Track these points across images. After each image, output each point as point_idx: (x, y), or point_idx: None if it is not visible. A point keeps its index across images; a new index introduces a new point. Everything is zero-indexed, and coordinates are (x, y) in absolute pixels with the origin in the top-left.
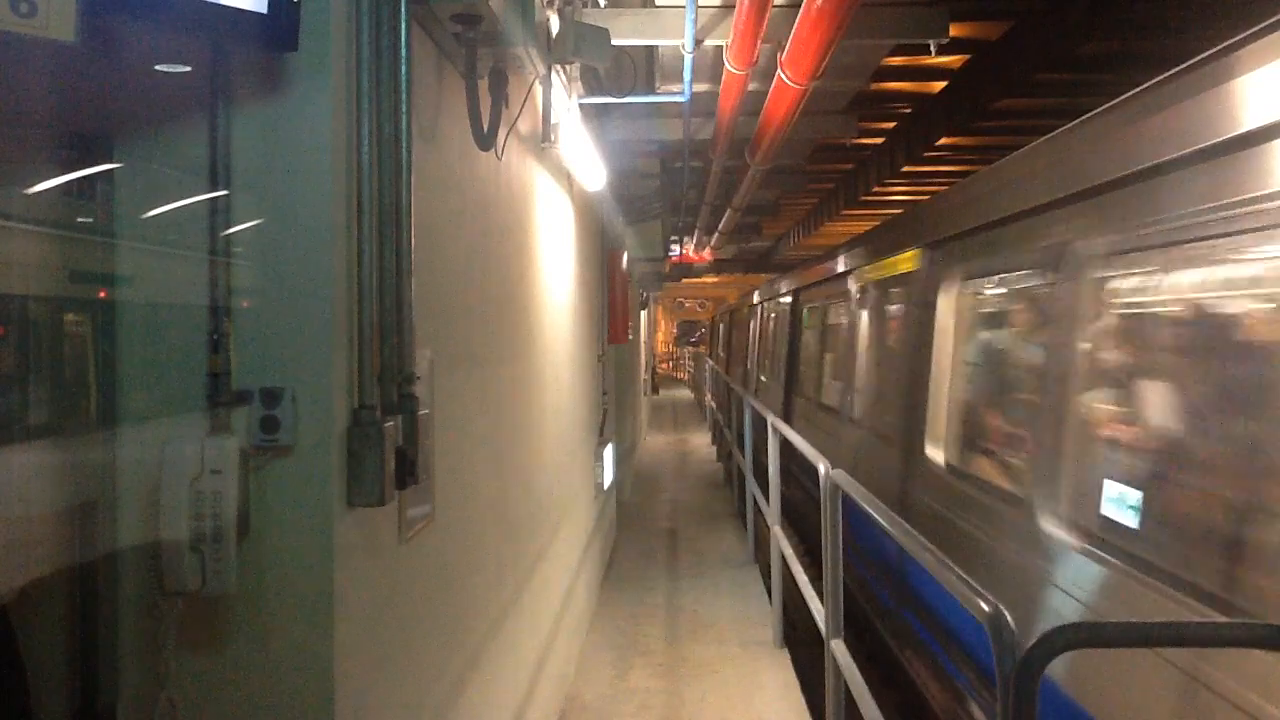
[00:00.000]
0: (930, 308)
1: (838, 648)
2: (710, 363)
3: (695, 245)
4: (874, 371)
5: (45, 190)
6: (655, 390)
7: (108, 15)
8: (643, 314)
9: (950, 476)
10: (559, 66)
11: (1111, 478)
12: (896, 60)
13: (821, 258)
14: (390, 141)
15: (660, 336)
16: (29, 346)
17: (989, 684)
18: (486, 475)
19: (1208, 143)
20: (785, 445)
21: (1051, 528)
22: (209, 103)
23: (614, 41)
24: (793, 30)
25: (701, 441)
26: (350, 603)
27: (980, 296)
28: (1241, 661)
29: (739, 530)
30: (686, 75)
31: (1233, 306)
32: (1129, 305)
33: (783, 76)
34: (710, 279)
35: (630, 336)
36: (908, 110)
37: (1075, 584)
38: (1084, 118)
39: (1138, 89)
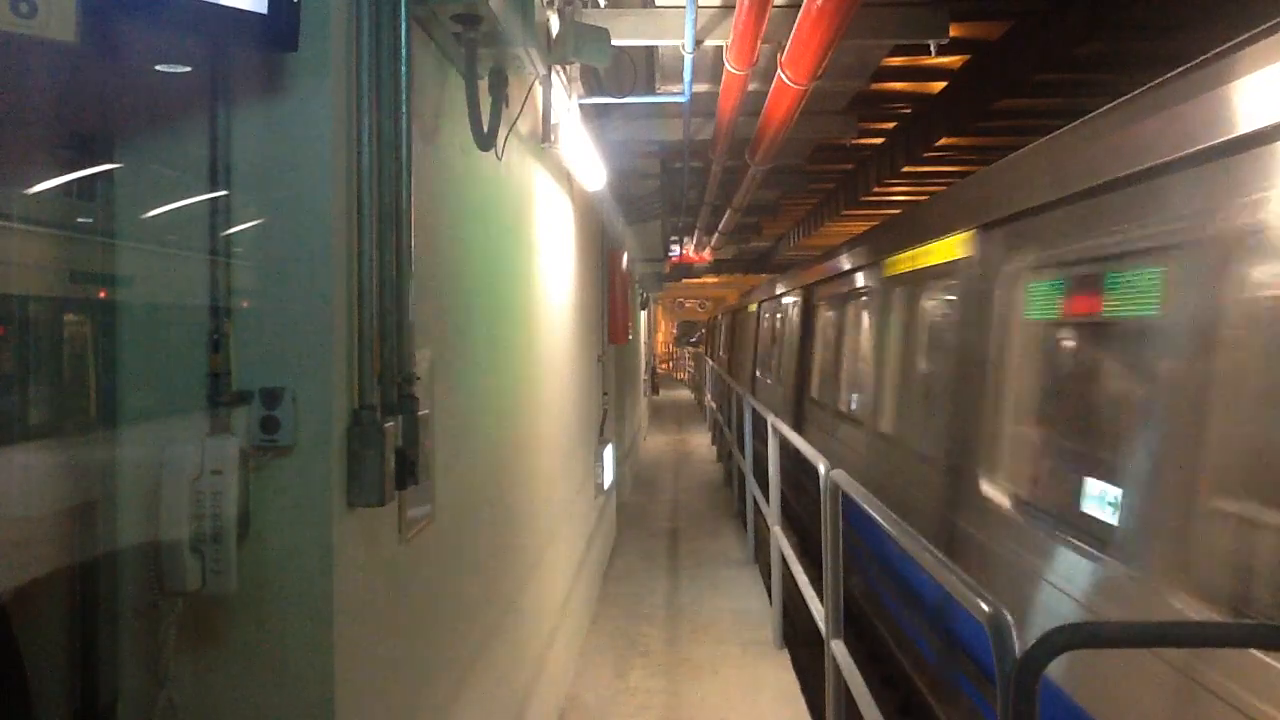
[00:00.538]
0: (986, 303)
1: (838, 648)
2: (710, 363)
3: (695, 246)
4: (906, 379)
5: (45, 190)
6: (655, 390)
7: (108, 15)
8: (643, 314)
9: (1018, 518)
10: (559, 67)
11: None
12: (896, 60)
13: (837, 250)
14: (390, 141)
15: (660, 337)
16: (29, 346)
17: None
18: (486, 475)
19: None
20: (788, 447)
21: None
22: (209, 103)
23: (614, 42)
24: (793, 30)
25: (701, 442)
26: (350, 603)
27: (1069, 287)
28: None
29: (739, 530)
30: (686, 75)
31: None
32: None
33: (783, 77)
34: (710, 279)
35: (630, 337)
36: (908, 110)
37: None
38: None
39: None
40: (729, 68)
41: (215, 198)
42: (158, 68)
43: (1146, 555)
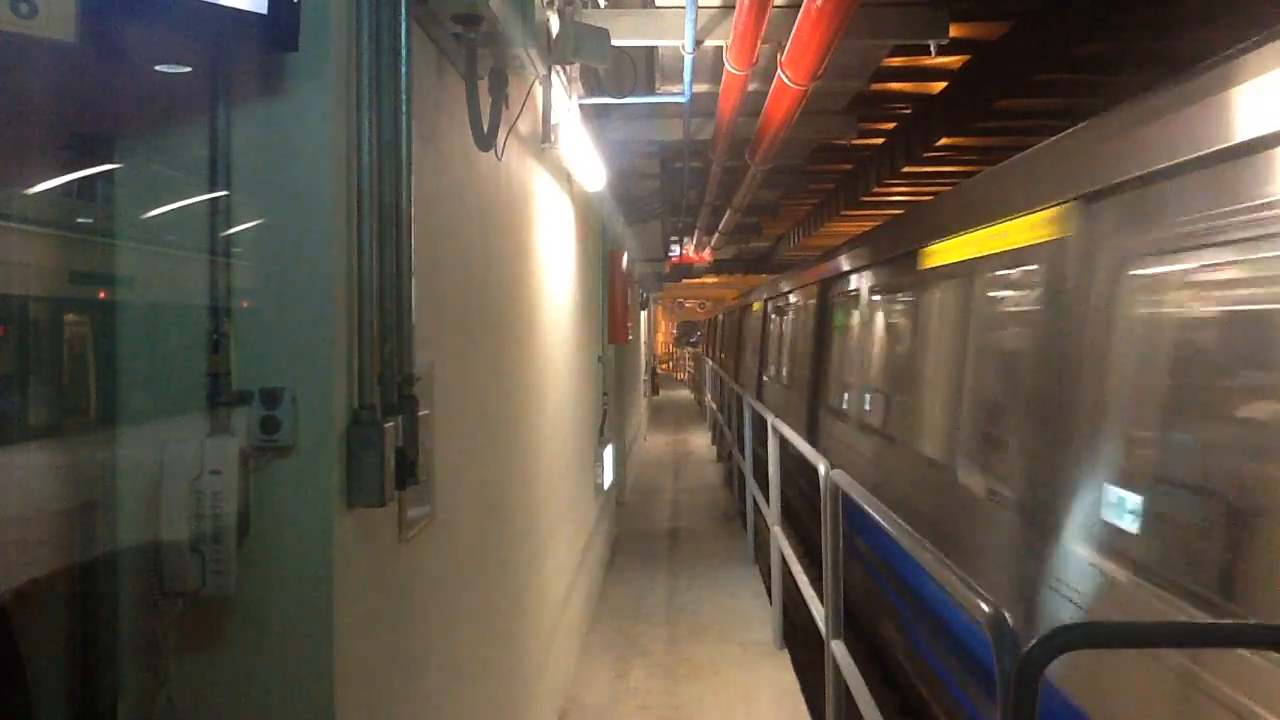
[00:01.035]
0: (1083, 297)
1: (838, 648)
2: (710, 363)
3: (695, 246)
4: (957, 388)
5: (45, 190)
6: (655, 391)
7: (108, 15)
8: (643, 314)
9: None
10: (559, 67)
11: None
12: (896, 60)
13: (855, 242)
14: (390, 142)
15: (660, 337)
16: (29, 347)
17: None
18: (486, 475)
19: None
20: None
21: None
22: (209, 103)
23: (614, 42)
24: (793, 31)
25: (701, 442)
26: (350, 603)
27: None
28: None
29: (739, 531)
30: (686, 76)
31: None
32: None
33: (783, 77)
34: (710, 279)
35: (630, 337)
36: (908, 111)
37: None
38: None
39: None
40: (729, 68)
41: (215, 198)
42: (158, 68)
43: None
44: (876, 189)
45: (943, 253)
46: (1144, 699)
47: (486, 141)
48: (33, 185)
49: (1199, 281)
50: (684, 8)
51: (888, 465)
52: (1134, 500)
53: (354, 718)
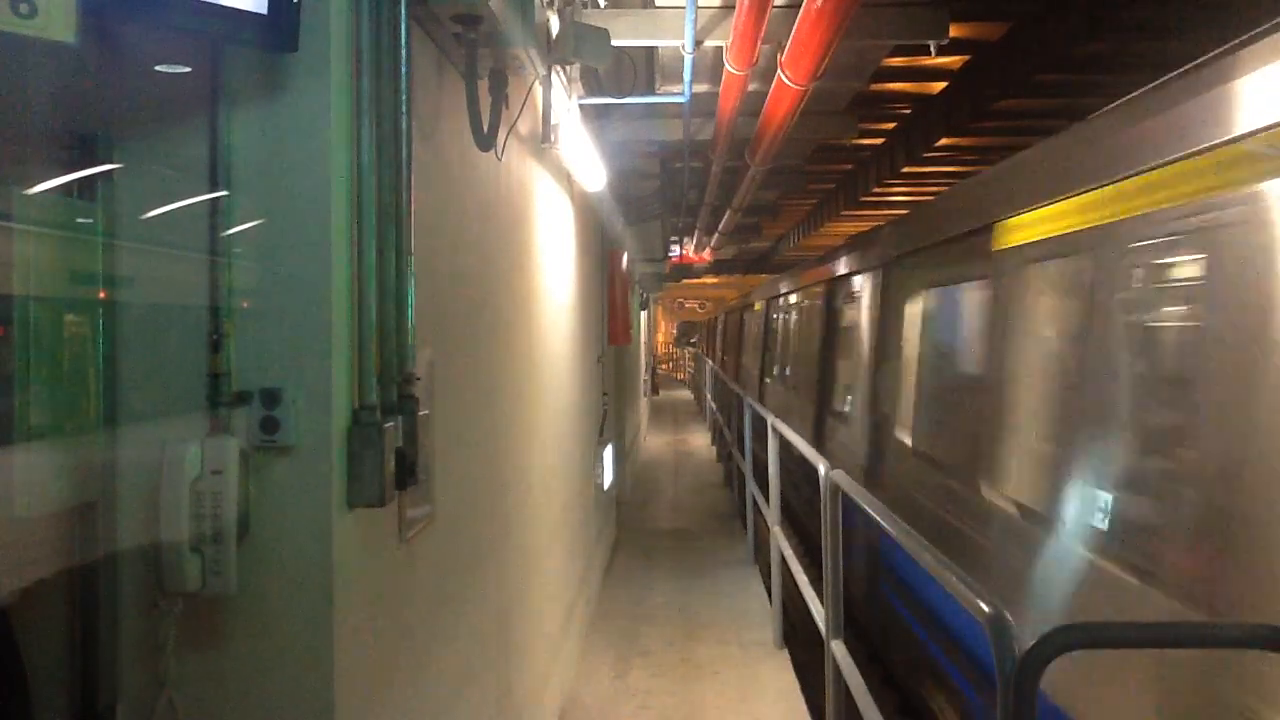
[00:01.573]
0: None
1: (838, 648)
2: (710, 363)
3: (695, 246)
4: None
5: (45, 190)
6: (655, 391)
7: (107, 16)
8: (643, 315)
9: None
10: (559, 67)
11: None
12: (896, 61)
13: (879, 231)
14: (390, 142)
15: (660, 337)
16: (29, 347)
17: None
18: (486, 475)
19: None
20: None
21: None
22: (209, 103)
23: (614, 42)
24: (793, 31)
25: (701, 442)
26: (350, 603)
27: None
28: None
29: (739, 530)
30: (686, 76)
31: None
32: None
33: (783, 77)
34: (710, 280)
35: (630, 337)
36: (907, 111)
37: None
38: None
39: None
40: (729, 68)
41: (215, 198)
42: (158, 68)
43: None
44: (876, 189)
45: (1025, 230)
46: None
47: (486, 141)
48: (33, 185)
49: None
50: (684, 8)
51: (956, 509)
52: None
53: (354, 718)
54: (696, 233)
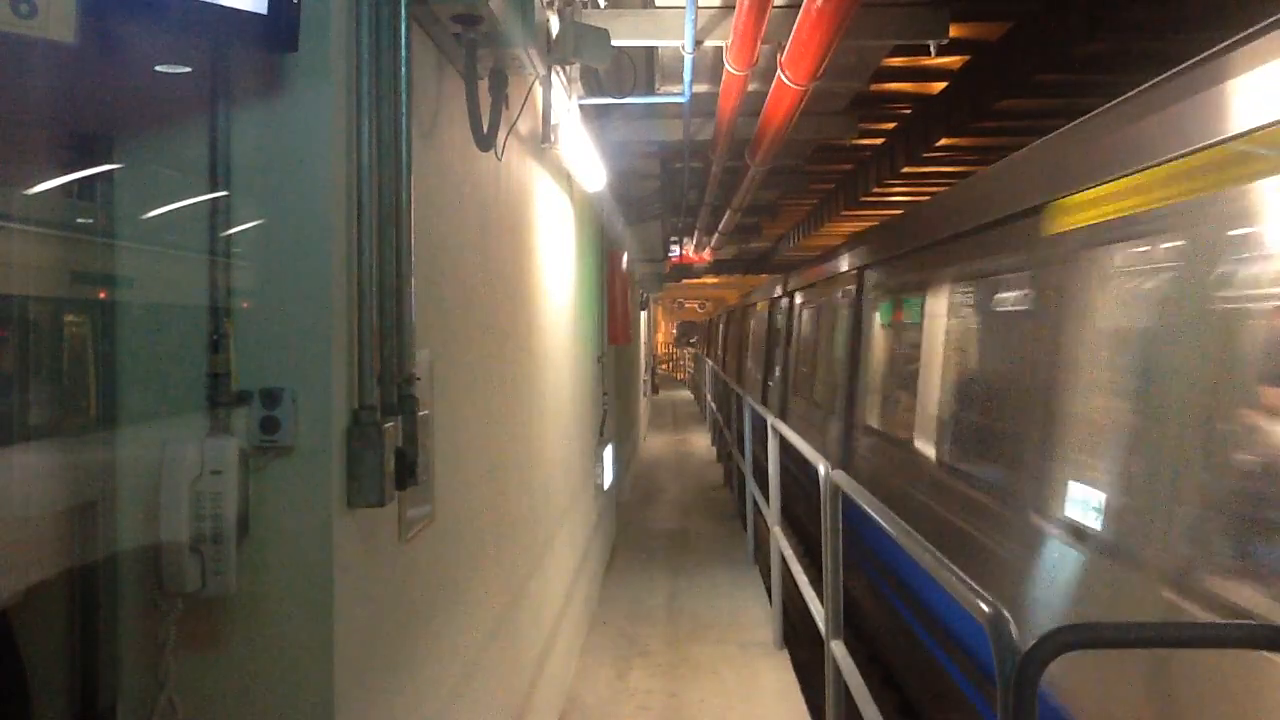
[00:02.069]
0: None
1: (837, 648)
2: (710, 363)
3: (695, 246)
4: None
5: (45, 190)
6: (655, 391)
7: (108, 16)
8: (642, 315)
9: None
10: (559, 67)
11: None
12: (896, 61)
13: (909, 217)
14: (390, 142)
15: (660, 337)
16: (29, 347)
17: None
18: (486, 476)
19: None
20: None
21: None
22: (209, 103)
23: (614, 42)
24: (793, 31)
25: (702, 442)
26: (350, 603)
27: None
28: None
29: (739, 531)
30: (686, 76)
31: None
32: None
33: (783, 77)
34: (710, 280)
35: (630, 337)
36: (908, 111)
37: None
38: None
39: None
40: (729, 68)
41: (215, 198)
42: (158, 68)
43: None
44: (876, 189)
45: (1084, 211)
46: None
47: (486, 141)
48: (33, 185)
49: None
50: (684, 8)
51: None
52: None
53: (354, 718)
54: (696, 233)
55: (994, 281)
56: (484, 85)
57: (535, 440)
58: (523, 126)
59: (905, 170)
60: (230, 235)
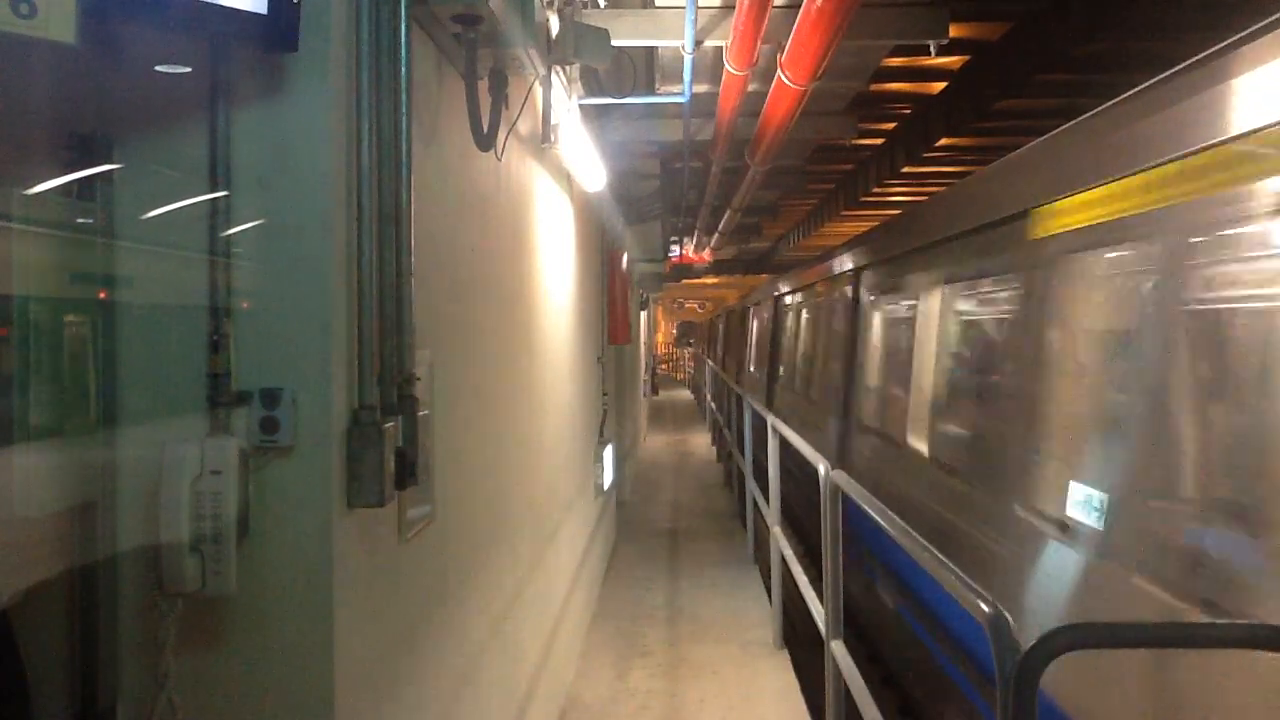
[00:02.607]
0: None
1: (838, 649)
2: (710, 363)
3: (695, 246)
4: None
5: (45, 191)
6: (655, 391)
7: (108, 15)
8: (642, 315)
9: None
10: (559, 67)
11: None
12: (896, 61)
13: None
14: (390, 142)
15: (660, 337)
16: (29, 347)
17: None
18: (486, 475)
19: None
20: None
21: None
22: (209, 103)
23: (614, 42)
24: (792, 31)
25: (701, 442)
26: (350, 603)
27: None
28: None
29: (739, 531)
30: (686, 76)
31: None
32: None
33: (782, 77)
34: (710, 280)
35: (630, 337)
36: (907, 111)
37: None
38: None
39: None
40: (729, 68)
41: (215, 198)
42: (158, 68)
43: None
44: (876, 189)
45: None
46: None
47: (486, 141)
48: (33, 185)
49: None
50: (684, 8)
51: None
52: None
53: (354, 718)
54: (696, 233)
55: (983, 284)
56: (484, 85)
57: (535, 440)
58: (523, 126)
59: (905, 170)
60: (230, 235)
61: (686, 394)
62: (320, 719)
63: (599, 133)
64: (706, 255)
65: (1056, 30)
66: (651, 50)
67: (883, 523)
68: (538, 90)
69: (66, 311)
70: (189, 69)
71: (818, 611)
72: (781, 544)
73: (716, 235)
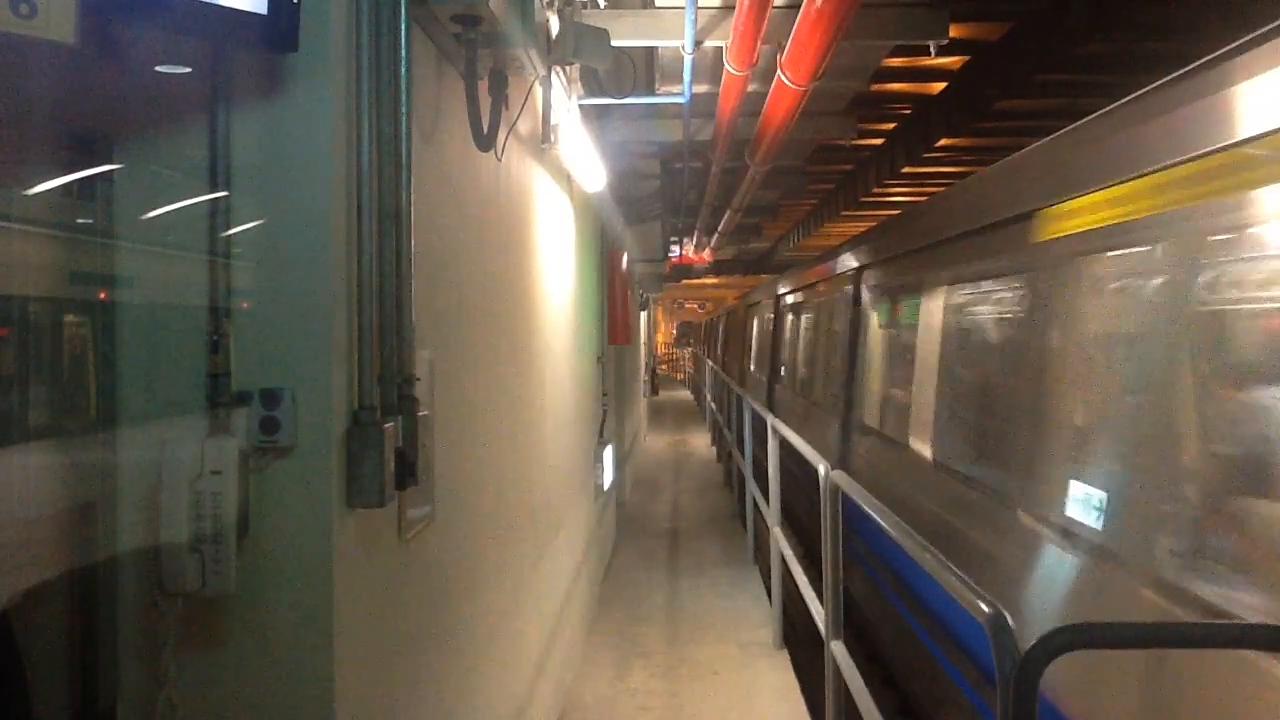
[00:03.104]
0: None
1: (837, 649)
2: (710, 363)
3: (695, 246)
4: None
5: (45, 191)
6: (655, 391)
7: (108, 15)
8: (642, 315)
9: None
10: (559, 67)
11: None
12: (896, 61)
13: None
14: (390, 142)
15: (660, 338)
16: (29, 347)
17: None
18: (486, 476)
19: None
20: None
21: None
22: (209, 104)
23: (614, 42)
24: (792, 31)
25: (701, 442)
26: (350, 603)
27: None
28: None
29: (739, 531)
30: (686, 76)
31: None
32: None
33: (782, 77)
34: (710, 280)
35: (630, 337)
36: (907, 111)
37: None
38: None
39: None
40: (729, 68)
41: (215, 198)
42: (158, 69)
43: None
44: (876, 190)
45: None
46: None
47: (486, 142)
48: (33, 185)
49: None
50: (684, 8)
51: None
52: None
53: (354, 717)
54: (696, 233)
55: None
56: (484, 85)
57: (535, 440)
58: (523, 127)
59: (905, 170)
60: (230, 235)
61: (686, 394)
62: (320, 719)
63: (599, 133)
64: (706, 255)
65: (1056, 30)
66: (651, 50)
67: (883, 523)
68: (538, 90)
69: (66, 311)
70: (189, 69)
71: (817, 612)
72: (781, 544)
73: (716, 235)
